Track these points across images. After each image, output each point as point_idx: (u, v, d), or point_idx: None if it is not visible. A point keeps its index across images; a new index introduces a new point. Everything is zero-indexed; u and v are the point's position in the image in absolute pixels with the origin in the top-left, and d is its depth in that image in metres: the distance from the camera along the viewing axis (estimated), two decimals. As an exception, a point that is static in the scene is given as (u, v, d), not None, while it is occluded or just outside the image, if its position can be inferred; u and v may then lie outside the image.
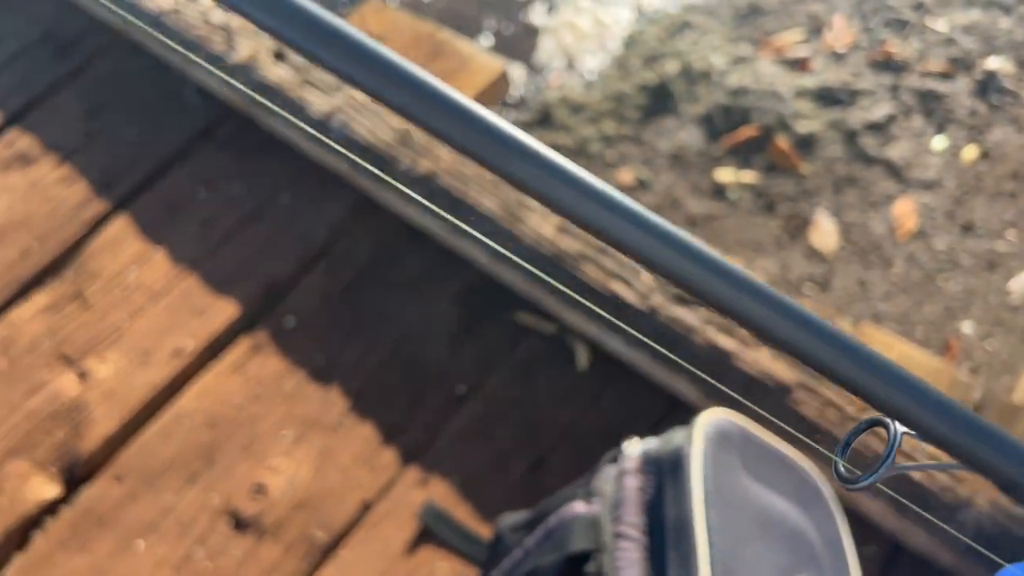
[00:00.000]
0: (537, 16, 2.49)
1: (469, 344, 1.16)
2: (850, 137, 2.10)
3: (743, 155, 2.14)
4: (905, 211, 1.97)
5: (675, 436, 0.68)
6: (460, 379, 1.13)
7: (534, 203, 1.02)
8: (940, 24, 2.21)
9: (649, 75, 2.32)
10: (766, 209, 2.07)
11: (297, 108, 1.29)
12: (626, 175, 2.18)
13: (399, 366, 1.16)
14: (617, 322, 0.96)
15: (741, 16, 2.41)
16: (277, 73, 1.32)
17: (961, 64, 2.16)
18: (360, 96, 1.27)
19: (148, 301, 1.27)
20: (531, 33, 2.46)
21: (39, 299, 1.31)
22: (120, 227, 1.35)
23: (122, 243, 1.34)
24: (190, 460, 1.13)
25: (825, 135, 2.11)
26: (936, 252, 1.93)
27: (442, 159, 1.18)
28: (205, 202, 1.36)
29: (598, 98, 2.34)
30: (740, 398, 0.48)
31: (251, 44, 1.36)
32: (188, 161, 1.41)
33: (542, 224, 1.09)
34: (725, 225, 2.06)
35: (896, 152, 2.06)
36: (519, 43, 2.43)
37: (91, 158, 1.44)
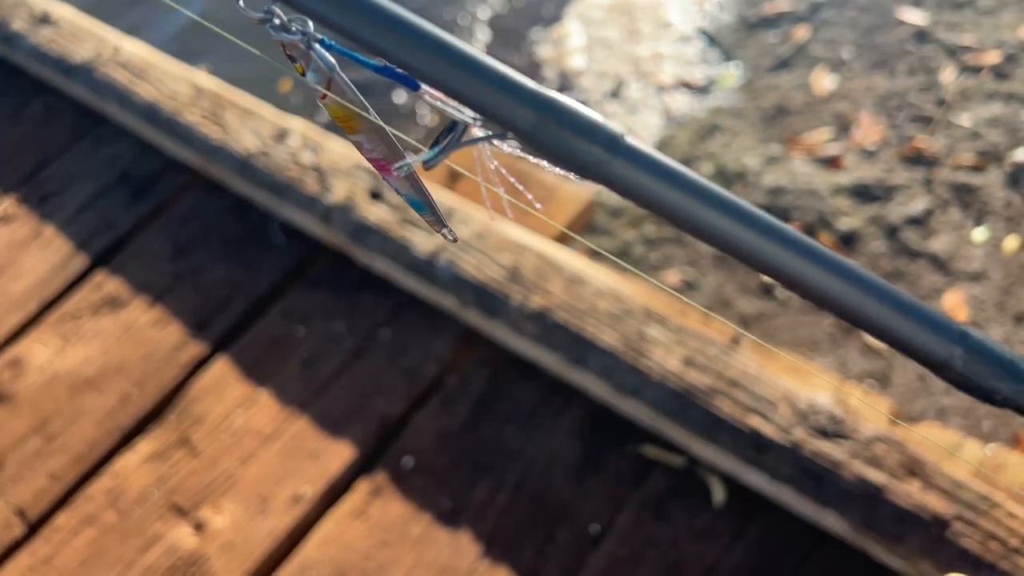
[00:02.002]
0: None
1: (594, 479, 1.16)
2: (891, 232, 2.16)
3: (788, 253, 2.18)
4: (955, 303, 2.01)
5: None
6: (590, 516, 1.13)
7: (657, 335, 1.04)
8: (964, 119, 2.30)
9: (685, 177, 2.38)
10: (816, 307, 2.11)
11: (400, 248, 1.31)
12: (672, 276, 2.22)
13: (526, 504, 1.15)
14: (758, 458, 0.97)
15: (768, 117, 2.50)
16: (376, 213, 1.35)
17: (990, 156, 2.24)
18: (463, 233, 1.29)
19: (259, 446, 1.27)
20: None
21: (144, 447, 1.30)
22: (220, 369, 1.35)
23: (224, 386, 1.34)
24: (321, 613, 1.12)
25: (866, 231, 2.17)
26: (992, 344, 1.96)
27: (554, 294, 1.21)
28: (305, 341, 1.37)
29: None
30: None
31: (346, 185, 1.39)
32: (282, 300, 1.42)
33: (667, 358, 1.11)
34: (778, 324, 2.09)
35: (938, 245, 2.11)
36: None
37: (182, 299, 1.45)
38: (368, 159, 0.43)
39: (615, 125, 0.30)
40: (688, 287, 2.21)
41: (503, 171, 0.37)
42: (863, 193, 2.24)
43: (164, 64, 1.65)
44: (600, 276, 1.21)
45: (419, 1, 2.92)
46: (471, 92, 0.29)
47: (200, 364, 1.36)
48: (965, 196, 2.19)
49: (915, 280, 2.08)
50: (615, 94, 2.59)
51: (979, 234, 2.11)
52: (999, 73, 2.37)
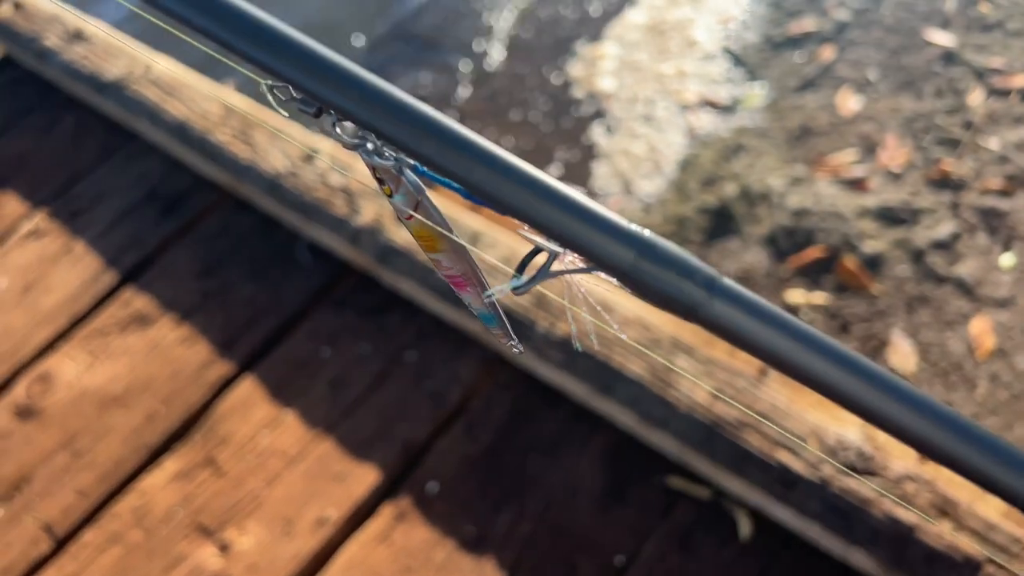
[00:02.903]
0: (598, 136, 2.56)
1: (619, 509, 1.16)
2: (917, 256, 2.15)
3: (811, 276, 2.18)
4: (983, 330, 2.00)
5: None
6: (614, 548, 1.12)
7: (685, 366, 1.04)
8: (992, 142, 2.29)
9: (708, 198, 2.38)
10: (840, 330, 2.09)
11: (427, 271, 1.32)
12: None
13: (550, 533, 1.15)
14: (786, 493, 0.96)
15: (793, 138, 2.49)
16: (403, 236, 1.35)
17: (1019, 181, 2.22)
18: (488, 258, 1.30)
19: (284, 467, 1.27)
20: (587, 159, 2.53)
21: (170, 466, 1.31)
22: (247, 389, 1.36)
23: (251, 406, 1.35)
24: (343, 638, 1.12)
25: (892, 254, 2.15)
26: (1020, 372, 1.95)
27: (581, 321, 1.20)
28: (331, 362, 1.37)
29: (659, 221, 2.40)
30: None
31: (374, 207, 1.40)
32: (308, 320, 1.43)
33: (695, 389, 1.11)
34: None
35: (965, 270, 2.10)
36: (579, 170, 2.50)
37: (209, 317, 1.46)
38: (445, 276, 0.44)
39: (709, 267, 0.30)
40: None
41: (589, 298, 0.37)
42: (888, 216, 2.23)
43: (195, 82, 1.67)
44: (627, 304, 1.21)
45: (453, 16, 2.93)
46: (568, 231, 0.29)
47: (227, 384, 1.37)
48: (993, 221, 2.17)
49: (941, 305, 2.07)
50: (647, 118, 2.59)
51: (1007, 259, 2.09)
52: (1028, 96, 2.35)
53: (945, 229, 2.17)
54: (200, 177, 1.65)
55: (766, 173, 2.40)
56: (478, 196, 0.31)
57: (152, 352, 1.43)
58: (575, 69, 2.73)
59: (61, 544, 1.26)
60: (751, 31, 2.77)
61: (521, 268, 0.38)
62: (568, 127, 2.62)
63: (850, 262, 2.15)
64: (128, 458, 1.33)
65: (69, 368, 1.44)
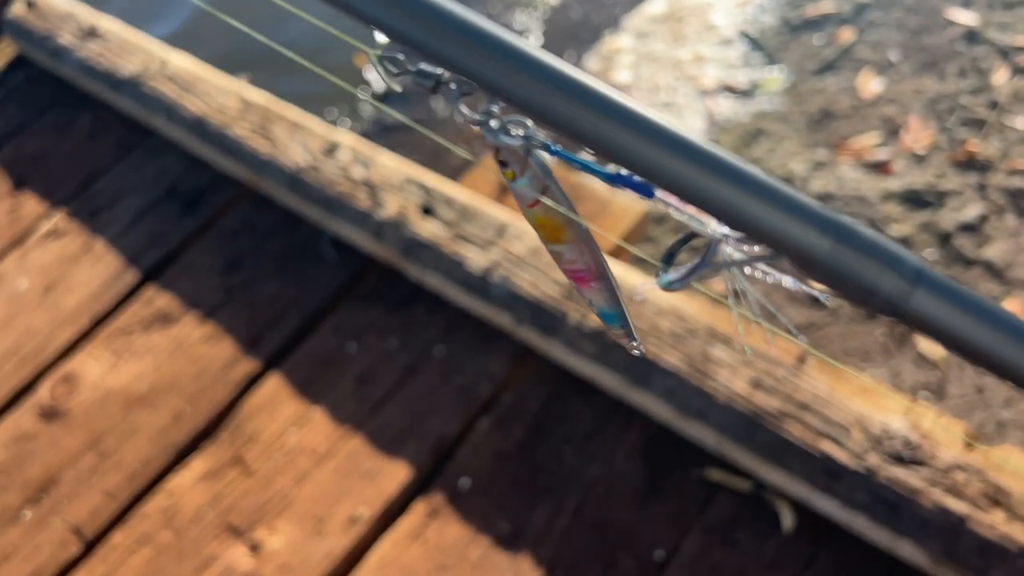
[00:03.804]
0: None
1: (657, 503, 1.14)
2: (944, 239, 2.11)
3: (837, 261, 2.14)
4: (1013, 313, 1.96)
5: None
6: (654, 542, 1.10)
7: (723, 356, 1.02)
8: (1018, 122, 2.24)
9: (730, 184, 2.35)
10: (868, 316, 2.06)
11: (454, 264, 1.30)
12: (719, 283, 2.19)
13: (587, 529, 1.13)
14: (830, 484, 0.94)
15: (814, 121, 2.45)
16: (429, 229, 1.33)
17: (1046, 162, 2.18)
18: (517, 249, 1.27)
19: (314, 465, 1.26)
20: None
21: (197, 465, 1.29)
22: (273, 386, 1.35)
23: (278, 403, 1.33)
24: (379, 638, 1.10)
25: (919, 238, 2.11)
26: (1053, 355, 1.91)
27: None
28: (358, 357, 1.35)
29: (679, 208, 2.37)
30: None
31: (398, 200, 1.37)
32: (334, 315, 1.41)
33: (733, 380, 1.08)
34: (829, 334, 2.05)
35: (994, 252, 2.06)
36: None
37: (234, 314, 1.45)
38: (566, 269, 0.40)
39: (915, 256, 0.27)
40: (735, 295, 2.17)
41: (759, 297, 0.34)
42: (914, 199, 2.19)
43: (211, 77, 1.65)
44: (661, 295, 1.18)
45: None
46: (750, 214, 0.26)
47: (252, 381, 1.36)
48: (1021, 201, 2.13)
49: (970, 288, 2.03)
50: (666, 104, 2.55)
51: (1036, 241, 2.05)
52: (1054, 75, 2.31)
53: (972, 211, 2.13)
54: (219, 173, 1.63)
55: (788, 158, 2.37)
56: (640, 173, 0.28)
57: (176, 351, 1.42)
58: (592, 63, 2.70)
59: (90, 546, 1.25)
60: (768, 14, 2.73)
61: (668, 259, 0.34)
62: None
63: (876, 247, 2.11)
64: (155, 458, 1.31)
65: (93, 368, 1.42)
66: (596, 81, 0.27)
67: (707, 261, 0.32)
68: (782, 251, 0.27)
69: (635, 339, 0.45)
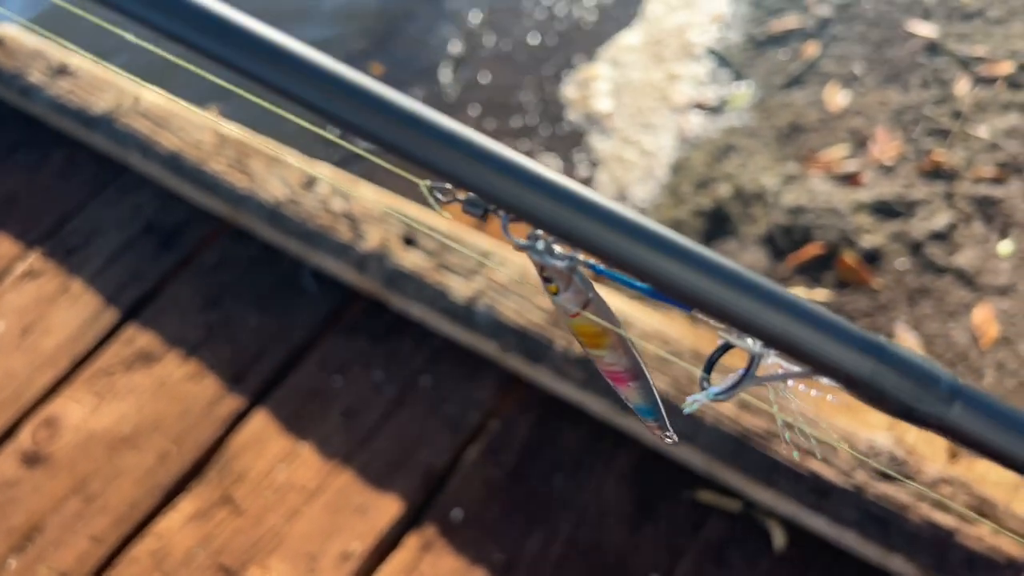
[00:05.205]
0: (593, 143, 2.56)
1: (649, 526, 1.14)
2: (915, 248, 2.15)
3: (811, 273, 2.18)
4: (985, 319, 2.00)
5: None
6: (649, 566, 1.11)
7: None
8: (982, 131, 2.30)
9: (703, 200, 2.37)
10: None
11: (437, 293, 1.30)
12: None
13: (582, 555, 1.14)
14: (819, 502, 0.95)
15: (783, 135, 2.49)
16: (411, 260, 1.34)
17: (1011, 168, 2.23)
18: (501, 277, 1.28)
19: (304, 502, 1.25)
20: (581, 166, 2.52)
21: (186, 506, 1.28)
22: (259, 423, 1.34)
23: (265, 440, 1.32)
24: (377, 674, 1.10)
25: (890, 248, 2.15)
26: (1025, 359, 1.95)
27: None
28: (344, 390, 1.35)
29: (655, 225, 2.39)
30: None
31: (379, 231, 1.38)
32: (318, 349, 1.41)
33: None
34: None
35: (964, 259, 2.10)
36: (572, 178, 2.49)
37: (216, 351, 1.44)
38: (605, 371, 0.42)
39: (950, 373, 0.28)
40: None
41: (801, 405, 0.35)
42: (884, 210, 2.23)
43: (185, 113, 1.64)
44: (645, 318, 1.20)
45: (434, 40, 2.92)
46: (797, 339, 0.27)
47: (238, 418, 1.35)
48: (988, 209, 2.18)
49: (942, 296, 2.07)
50: (640, 124, 2.58)
51: (1005, 247, 2.09)
52: (1013, 83, 2.37)
53: (941, 220, 2.17)
54: (197, 208, 1.62)
55: (759, 172, 2.40)
56: (678, 298, 0.29)
57: (160, 390, 1.41)
58: (569, 91, 2.72)
59: (79, 593, 1.23)
60: (733, 31, 2.77)
61: (709, 367, 0.35)
62: (563, 134, 2.61)
63: (849, 258, 2.15)
64: (142, 500, 1.30)
65: (75, 411, 1.41)
66: (639, 216, 0.29)
67: (751, 374, 0.34)
68: (828, 373, 0.29)
69: (669, 430, 0.47)
